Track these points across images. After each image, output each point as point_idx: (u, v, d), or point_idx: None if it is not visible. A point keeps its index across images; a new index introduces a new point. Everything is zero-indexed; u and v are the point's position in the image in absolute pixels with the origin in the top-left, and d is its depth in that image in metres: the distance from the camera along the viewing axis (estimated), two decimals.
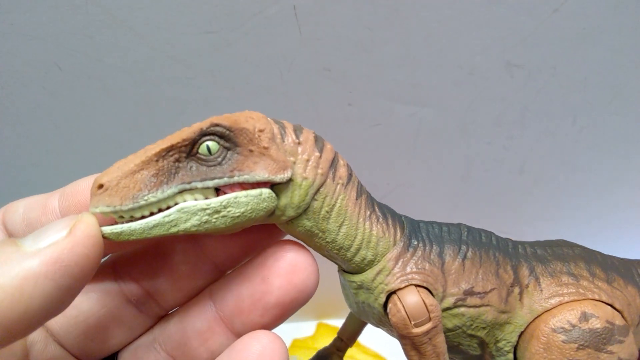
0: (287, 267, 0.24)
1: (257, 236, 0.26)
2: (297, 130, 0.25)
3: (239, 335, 0.24)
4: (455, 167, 0.56)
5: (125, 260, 0.25)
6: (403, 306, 0.26)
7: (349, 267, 0.27)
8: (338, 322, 0.60)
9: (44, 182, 0.54)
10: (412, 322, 0.26)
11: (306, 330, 0.63)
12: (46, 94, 0.48)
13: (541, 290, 0.29)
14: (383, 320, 0.28)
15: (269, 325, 0.24)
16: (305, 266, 0.24)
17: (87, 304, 0.24)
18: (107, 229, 0.21)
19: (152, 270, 0.25)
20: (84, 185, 0.24)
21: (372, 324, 0.30)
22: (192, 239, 0.25)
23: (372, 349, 0.60)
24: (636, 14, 0.48)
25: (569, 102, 0.52)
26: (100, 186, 0.21)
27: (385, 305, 0.27)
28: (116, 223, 0.21)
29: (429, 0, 0.46)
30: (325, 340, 0.57)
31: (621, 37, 0.49)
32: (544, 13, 0.47)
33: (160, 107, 0.50)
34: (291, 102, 0.50)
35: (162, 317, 0.26)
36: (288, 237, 0.26)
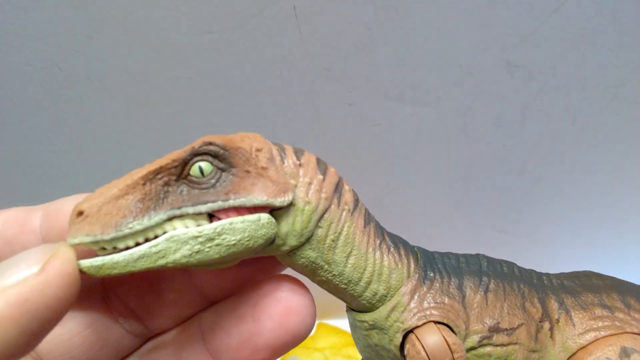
0: (281, 309, 0.22)
1: (251, 269, 0.24)
2: (298, 152, 0.23)
3: None
4: (455, 167, 0.56)
5: (113, 279, 0.24)
6: (423, 346, 0.23)
7: (358, 305, 0.25)
8: (338, 322, 0.60)
9: (43, 182, 0.53)
10: None
11: None
12: (46, 93, 0.48)
13: (573, 325, 0.26)
14: None
15: None
16: (301, 308, 0.22)
17: (73, 322, 0.22)
18: (86, 263, 0.18)
19: (139, 293, 0.24)
20: (68, 206, 0.21)
21: None
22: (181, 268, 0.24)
23: None
24: (636, 14, 0.48)
25: (569, 102, 0.52)
26: (80, 213, 0.18)
27: (402, 346, 0.24)
28: (98, 255, 0.19)
29: (429, 0, 0.45)
30: (326, 341, 0.57)
31: (621, 37, 0.49)
32: (543, 13, 0.47)
33: (160, 107, 0.50)
34: (291, 102, 0.50)
35: (150, 338, 0.25)
36: (285, 271, 0.24)
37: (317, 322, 0.63)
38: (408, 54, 0.48)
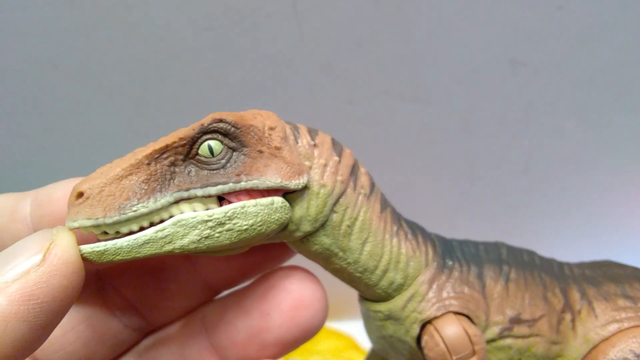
0: (291, 303, 0.21)
1: (259, 257, 0.23)
2: (312, 132, 0.22)
3: None
4: (458, 166, 0.55)
5: (110, 270, 0.23)
6: (442, 338, 0.22)
7: (373, 294, 0.24)
8: (338, 325, 0.60)
9: (39, 182, 0.53)
10: (454, 357, 0.22)
11: None
12: (42, 92, 0.48)
13: (596, 316, 0.25)
14: (415, 358, 0.25)
15: None
16: (313, 302, 0.21)
17: (66, 316, 0.21)
18: (87, 248, 0.17)
19: (139, 285, 0.23)
20: (60, 192, 0.20)
21: None
22: (184, 255, 0.23)
23: None
24: None
25: (574, 100, 0.52)
26: (80, 195, 0.17)
27: (419, 337, 0.24)
28: (99, 240, 0.18)
29: None
30: (325, 343, 0.56)
31: (627, 34, 0.48)
32: (548, 10, 0.47)
33: (157, 105, 0.49)
34: (291, 100, 0.50)
35: (150, 332, 0.24)
36: (292, 261, 0.23)
37: None
38: (410, 51, 0.48)
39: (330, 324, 0.62)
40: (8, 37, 0.44)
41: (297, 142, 0.21)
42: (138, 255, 0.18)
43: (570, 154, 0.55)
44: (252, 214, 0.19)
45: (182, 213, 0.18)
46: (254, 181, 0.19)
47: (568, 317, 0.25)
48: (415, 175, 0.56)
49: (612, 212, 0.60)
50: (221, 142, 0.19)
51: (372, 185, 0.23)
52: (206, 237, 0.18)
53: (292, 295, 0.21)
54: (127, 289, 0.23)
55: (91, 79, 0.47)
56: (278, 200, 0.20)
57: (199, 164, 0.19)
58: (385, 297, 0.24)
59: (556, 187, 0.58)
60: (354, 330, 0.58)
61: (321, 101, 0.50)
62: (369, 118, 0.52)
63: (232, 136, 0.19)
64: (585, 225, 0.61)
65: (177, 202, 0.18)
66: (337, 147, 0.22)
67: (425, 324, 0.23)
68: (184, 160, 0.19)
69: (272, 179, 0.19)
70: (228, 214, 0.19)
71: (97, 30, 0.45)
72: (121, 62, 0.46)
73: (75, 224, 0.17)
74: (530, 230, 0.61)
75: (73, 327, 0.22)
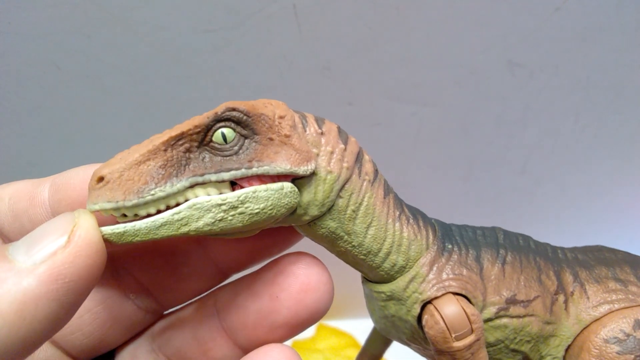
0: (299, 286, 0.21)
1: (267, 241, 0.24)
2: (319, 121, 0.23)
3: (243, 348, 0.23)
4: (456, 167, 0.56)
5: (124, 254, 0.24)
6: (442, 317, 0.23)
7: (376, 276, 0.25)
8: (338, 323, 0.60)
9: None
10: (453, 335, 0.23)
11: (306, 332, 0.62)
12: (44, 93, 0.48)
13: (588, 297, 0.26)
14: (416, 336, 0.26)
15: (275, 342, 0.22)
16: (319, 285, 0.22)
17: None
18: (108, 230, 0.18)
19: (152, 268, 0.24)
20: (78, 177, 0.21)
21: (402, 341, 0.28)
22: (196, 240, 0.24)
23: None
24: (638, 12, 0.47)
25: (571, 101, 0.52)
26: (100, 179, 0.18)
27: (419, 317, 0.25)
28: (117, 222, 0.19)
29: None
30: (326, 342, 0.56)
31: (623, 36, 0.48)
32: (545, 12, 0.47)
33: (159, 106, 0.49)
34: (291, 101, 0.50)
35: (163, 314, 0.25)
36: (299, 246, 0.24)
37: (317, 323, 0.63)
38: (409, 53, 0.48)
39: (331, 322, 0.62)
40: (11, 38, 0.44)
41: (305, 130, 0.22)
42: (155, 236, 0.19)
43: (567, 155, 0.56)
44: (263, 198, 0.20)
45: (197, 197, 0.19)
46: (265, 167, 0.20)
47: (561, 298, 0.26)
48: (414, 175, 0.56)
49: (608, 212, 0.60)
50: (234, 129, 0.20)
51: (376, 172, 0.25)
52: (220, 220, 0.19)
53: (300, 279, 0.22)
54: (140, 272, 0.23)
55: (93, 80, 0.47)
56: (288, 185, 0.21)
57: (213, 151, 0.20)
58: (388, 279, 0.25)
59: (553, 187, 0.58)
60: (354, 328, 0.58)
61: (321, 102, 0.50)
62: (368, 119, 0.52)
63: (244, 124, 0.20)
64: (581, 225, 0.61)
65: (192, 186, 0.19)
66: (342, 135, 0.23)
67: (425, 304, 0.24)
68: (198, 147, 0.20)
69: (282, 165, 0.20)
70: (241, 198, 0.19)
71: (99, 31, 0.45)
72: (123, 63, 0.47)
73: (96, 207, 0.18)
74: (527, 230, 0.61)
75: (89, 309, 0.22)
